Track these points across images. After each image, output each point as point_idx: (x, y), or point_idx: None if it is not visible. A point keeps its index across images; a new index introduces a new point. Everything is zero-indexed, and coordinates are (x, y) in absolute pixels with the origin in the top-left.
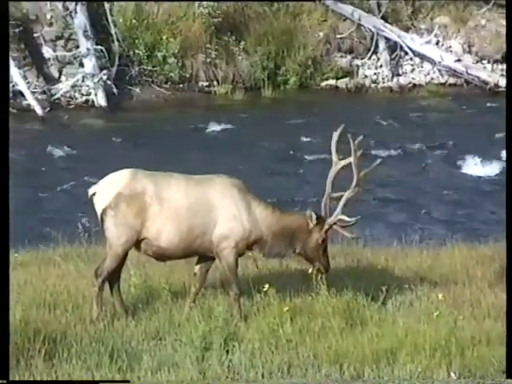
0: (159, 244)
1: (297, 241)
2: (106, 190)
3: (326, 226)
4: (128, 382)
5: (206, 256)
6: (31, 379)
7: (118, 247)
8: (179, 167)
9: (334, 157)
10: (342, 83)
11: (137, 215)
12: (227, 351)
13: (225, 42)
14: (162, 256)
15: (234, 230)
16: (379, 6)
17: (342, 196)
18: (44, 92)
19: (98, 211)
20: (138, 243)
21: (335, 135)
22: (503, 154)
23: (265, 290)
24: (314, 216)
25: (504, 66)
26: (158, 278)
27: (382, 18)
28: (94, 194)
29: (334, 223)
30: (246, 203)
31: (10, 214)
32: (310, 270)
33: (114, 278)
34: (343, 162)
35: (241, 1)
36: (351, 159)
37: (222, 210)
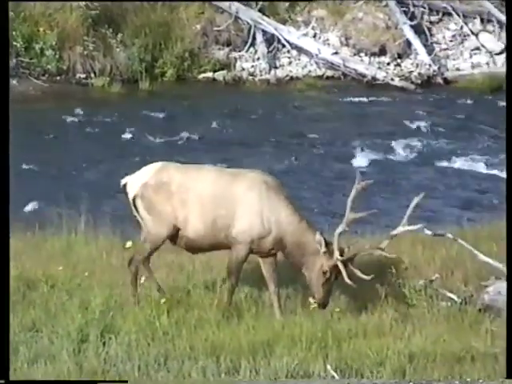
0: (187, 234)
1: (306, 261)
2: (134, 181)
3: (334, 261)
4: (126, 382)
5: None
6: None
7: (156, 234)
8: None
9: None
10: (220, 76)
11: (165, 203)
12: (104, 343)
13: (102, 34)
14: (192, 248)
15: (252, 226)
16: None
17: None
18: None
19: (129, 200)
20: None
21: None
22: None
23: (141, 281)
24: (323, 242)
25: (381, 59)
26: (35, 270)
27: (260, 10)
28: (126, 184)
29: (344, 263)
30: (273, 202)
31: None
32: None
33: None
34: None
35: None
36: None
37: (245, 203)
